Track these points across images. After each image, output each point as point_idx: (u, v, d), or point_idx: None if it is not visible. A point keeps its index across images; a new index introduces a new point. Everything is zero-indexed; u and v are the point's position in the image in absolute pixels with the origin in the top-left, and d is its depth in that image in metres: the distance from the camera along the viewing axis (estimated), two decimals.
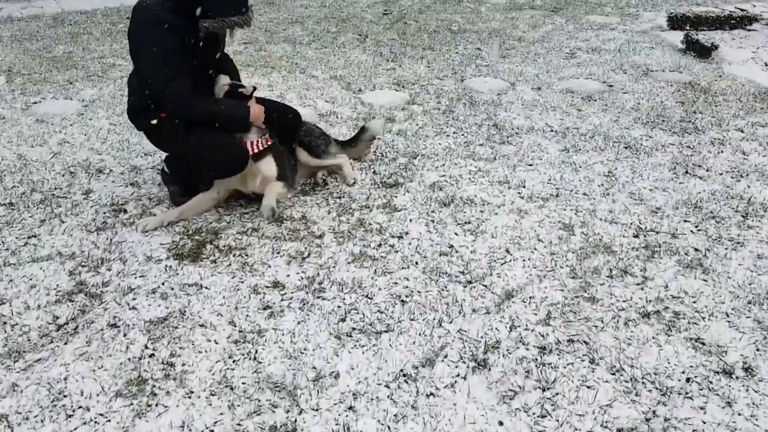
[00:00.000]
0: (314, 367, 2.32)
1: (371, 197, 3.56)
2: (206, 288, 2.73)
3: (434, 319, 2.62)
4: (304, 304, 2.67)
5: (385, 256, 3.03)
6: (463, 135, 4.36)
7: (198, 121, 3.10)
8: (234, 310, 2.61)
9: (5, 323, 2.48)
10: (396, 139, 4.29)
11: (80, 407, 2.12)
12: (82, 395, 2.17)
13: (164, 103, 3.02)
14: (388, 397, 2.23)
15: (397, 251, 3.07)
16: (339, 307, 2.66)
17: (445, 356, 2.42)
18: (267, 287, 2.76)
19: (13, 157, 3.77)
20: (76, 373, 2.26)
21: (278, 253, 3.01)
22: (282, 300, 2.69)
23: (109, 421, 2.08)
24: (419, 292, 2.78)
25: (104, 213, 3.26)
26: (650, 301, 2.78)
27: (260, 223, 3.24)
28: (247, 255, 2.98)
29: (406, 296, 2.75)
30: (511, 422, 2.12)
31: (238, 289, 2.73)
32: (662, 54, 6.04)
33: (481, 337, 2.52)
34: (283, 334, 2.49)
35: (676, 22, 6.70)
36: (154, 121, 3.11)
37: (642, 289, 2.86)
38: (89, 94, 4.72)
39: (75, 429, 2.04)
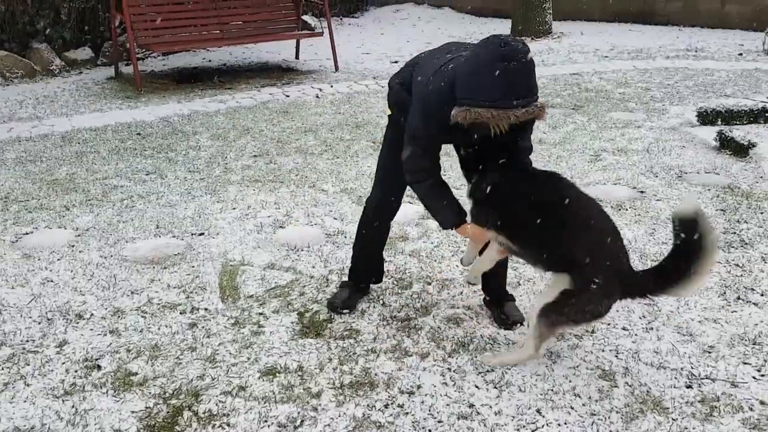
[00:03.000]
0: None
1: (378, 337, 3.14)
2: None
3: None
4: None
5: (392, 421, 2.57)
6: None
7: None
8: None
9: None
10: (408, 261, 3.91)
11: None
12: None
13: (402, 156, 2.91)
14: None
15: (407, 413, 2.62)
16: None
17: None
18: None
19: None
20: None
21: (266, 421, 2.57)
22: None
23: None
24: None
25: (75, 371, 2.88)
26: None
27: (249, 380, 2.83)
28: (229, 425, 2.55)
29: None
30: None
31: None
32: (695, 153, 5.66)
33: None
34: None
35: (706, 117, 6.35)
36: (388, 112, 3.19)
37: None
38: (85, 221, 4.48)
39: None
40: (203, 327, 3.26)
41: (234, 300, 3.52)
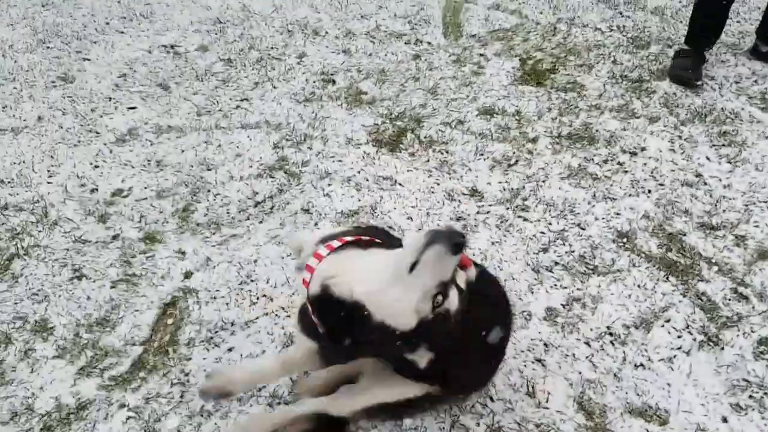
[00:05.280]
0: None
1: (605, 95, 2.99)
2: (400, 185, 2.51)
3: (660, 271, 2.16)
4: (502, 222, 2.36)
5: (610, 176, 2.55)
6: None
7: None
8: (425, 216, 2.38)
9: (209, 191, 2.51)
10: (649, 19, 3.52)
11: (264, 296, 2.10)
12: (267, 283, 2.14)
13: None
14: (586, 358, 1.91)
15: (626, 171, 2.56)
16: (542, 233, 2.31)
17: (667, 320, 2.00)
18: (464, 195, 2.47)
19: (237, 6, 3.75)
20: (265, 257, 2.23)
21: (482, 154, 2.66)
22: (478, 213, 2.39)
23: (288, 316, 2.04)
24: (642, 230, 2.30)
25: (314, 82, 3.12)
26: None
27: (467, 116, 2.89)
28: (447, 152, 2.68)
29: (629, 233, 2.29)
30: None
31: (433, 192, 2.48)
32: None
33: (720, 301, 2.04)
34: (473, 254, 2.22)
35: None
36: None
37: None
38: None
39: (256, 319, 2.04)
40: (426, 60, 3.30)
41: (456, 37, 3.48)
